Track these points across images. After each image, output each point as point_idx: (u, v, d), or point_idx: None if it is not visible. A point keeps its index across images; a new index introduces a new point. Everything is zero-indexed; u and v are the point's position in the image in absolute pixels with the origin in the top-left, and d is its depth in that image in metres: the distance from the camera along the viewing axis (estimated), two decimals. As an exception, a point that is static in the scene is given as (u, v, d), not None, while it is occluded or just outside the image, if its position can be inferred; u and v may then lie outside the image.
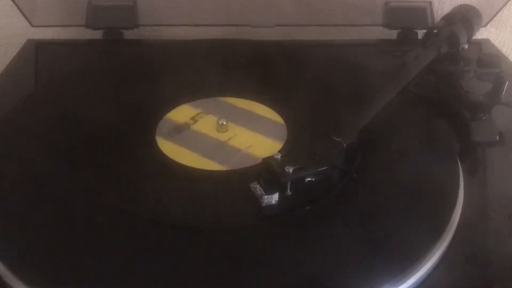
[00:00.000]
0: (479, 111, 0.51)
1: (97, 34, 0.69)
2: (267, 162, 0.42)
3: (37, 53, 0.68)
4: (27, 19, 0.67)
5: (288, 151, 0.45)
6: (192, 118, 0.52)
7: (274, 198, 0.41)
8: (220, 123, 0.50)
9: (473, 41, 0.61)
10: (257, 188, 0.41)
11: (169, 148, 0.48)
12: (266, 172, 0.41)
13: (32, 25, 0.68)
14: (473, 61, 0.56)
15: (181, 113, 0.53)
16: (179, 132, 0.50)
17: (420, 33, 0.69)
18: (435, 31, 0.59)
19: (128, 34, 0.69)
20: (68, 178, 0.44)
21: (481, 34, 0.72)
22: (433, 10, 0.70)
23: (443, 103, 0.55)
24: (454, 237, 0.40)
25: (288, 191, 0.41)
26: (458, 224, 0.41)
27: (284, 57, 0.62)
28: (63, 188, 0.43)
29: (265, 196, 0.41)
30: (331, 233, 0.40)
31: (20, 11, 0.66)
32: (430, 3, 0.70)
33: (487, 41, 0.73)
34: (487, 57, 0.56)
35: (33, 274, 0.36)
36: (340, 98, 0.54)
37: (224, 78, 0.57)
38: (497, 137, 0.51)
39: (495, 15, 0.70)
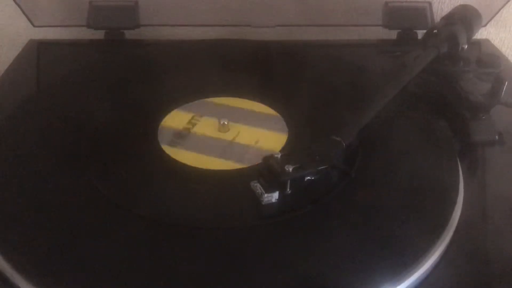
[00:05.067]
0: (479, 111, 0.51)
1: (98, 34, 0.69)
2: (267, 161, 0.42)
3: (39, 53, 0.68)
4: (28, 19, 0.67)
5: (288, 150, 0.45)
6: (192, 119, 0.52)
7: (274, 196, 0.41)
8: (222, 123, 0.50)
9: (472, 41, 0.61)
10: (257, 186, 0.41)
11: (171, 148, 0.48)
12: (266, 171, 0.41)
13: (33, 25, 0.68)
14: (473, 61, 0.56)
15: (179, 116, 0.53)
16: (182, 136, 0.50)
17: (420, 34, 0.69)
18: (435, 31, 0.59)
19: (130, 34, 0.69)
20: (70, 178, 0.44)
21: (480, 34, 0.72)
22: (433, 11, 0.70)
23: (443, 103, 0.55)
24: (454, 237, 0.40)
25: (288, 189, 0.41)
26: (458, 223, 0.41)
27: (284, 57, 0.62)
28: (65, 188, 0.43)
29: (265, 195, 0.41)
30: (331, 233, 0.40)
31: (22, 11, 0.66)
32: (430, 3, 0.70)
33: (486, 41, 0.73)
34: (486, 57, 0.56)
35: (35, 272, 0.36)
36: (340, 98, 0.55)
37: (225, 78, 0.57)
38: (497, 137, 0.51)
39: (494, 15, 0.70)
